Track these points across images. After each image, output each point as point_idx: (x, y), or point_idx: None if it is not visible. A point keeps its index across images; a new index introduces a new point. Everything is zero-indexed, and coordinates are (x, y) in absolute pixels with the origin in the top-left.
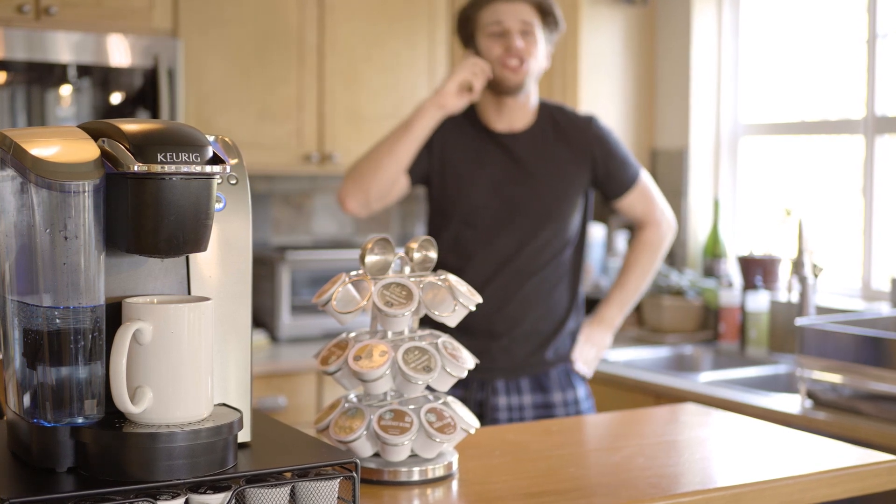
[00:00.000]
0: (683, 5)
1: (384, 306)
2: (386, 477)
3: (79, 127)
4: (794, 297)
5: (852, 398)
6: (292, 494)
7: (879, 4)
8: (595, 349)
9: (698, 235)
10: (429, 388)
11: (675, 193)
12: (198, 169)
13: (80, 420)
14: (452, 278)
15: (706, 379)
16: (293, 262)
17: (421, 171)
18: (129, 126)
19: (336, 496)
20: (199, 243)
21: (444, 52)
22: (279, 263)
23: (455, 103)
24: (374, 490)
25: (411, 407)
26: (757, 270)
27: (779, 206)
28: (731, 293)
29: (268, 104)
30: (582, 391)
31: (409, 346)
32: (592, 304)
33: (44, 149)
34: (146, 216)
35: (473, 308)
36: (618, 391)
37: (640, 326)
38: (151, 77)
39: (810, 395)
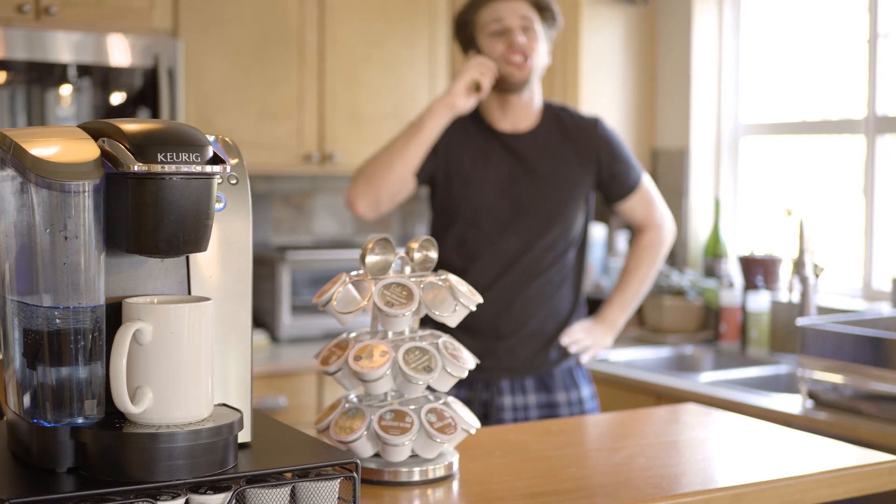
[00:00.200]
0: (684, 5)
1: (385, 306)
2: (386, 477)
3: (79, 127)
4: (795, 298)
5: (853, 398)
6: (293, 495)
7: (880, 4)
8: (591, 340)
9: (699, 235)
10: (429, 388)
11: (676, 193)
12: (198, 169)
13: (80, 420)
14: (453, 278)
15: (707, 379)
16: (293, 262)
17: (427, 171)
18: (130, 126)
19: (336, 496)
20: (199, 243)
21: (444, 52)
22: (279, 263)
23: (464, 103)
24: (375, 490)
25: (412, 407)
26: (758, 270)
27: (780, 205)
28: (731, 293)
29: (268, 104)
30: (586, 391)
31: (410, 346)
32: (593, 304)
33: (44, 149)
34: (146, 216)
35: (474, 308)
36: (618, 391)
37: (641, 326)
38: (151, 77)
39: (811, 395)
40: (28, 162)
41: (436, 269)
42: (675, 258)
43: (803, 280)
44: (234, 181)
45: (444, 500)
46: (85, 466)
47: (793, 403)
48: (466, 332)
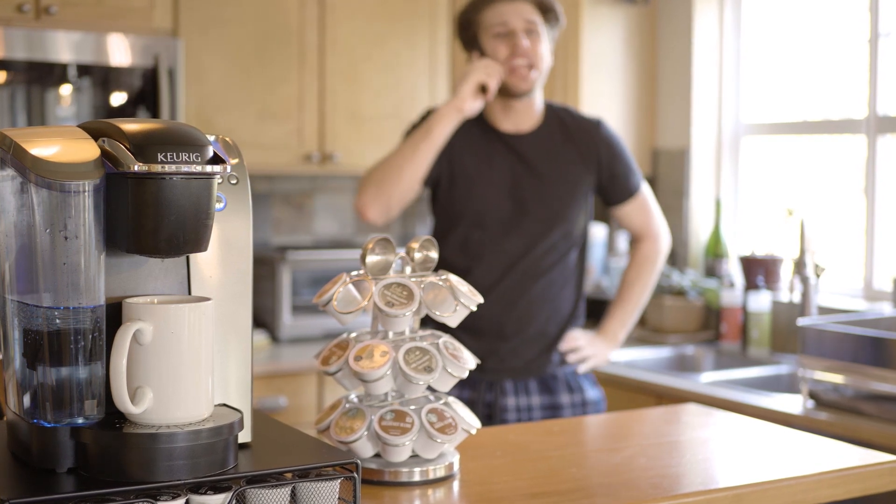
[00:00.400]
0: (685, 4)
1: (385, 306)
2: (387, 477)
3: (79, 126)
4: (796, 298)
5: (854, 399)
6: (293, 495)
7: (881, 4)
8: (591, 350)
9: (700, 235)
10: (430, 388)
11: (677, 193)
12: (198, 169)
13: (80, 420)
14: (453, 278)
15: (708, 379)
16: (294, 262)
17: (432, 174)
18: (130, 126)
19: (337, 497)
20: (199, 243)
21: (444, 52)
22: (280, 263)
23: (472, 106)
24: (375, 491)
25: (412, 407)
26: (759, 270)
27: (781, 205)
28: (732, 293)
29: (268, 104)
30: (592, 394)
31: (410, 346)
32: (594, 305)
33: (44, 148)
34: (146, 216)
35: (474, 308)
36: (619, 391)
37: (642, 327)
38: (152, 77)
39: (812, 395)
40: (28, 162)
41: (437, 270)
42: (676, 258)
43: (804, 280)
44: (234, 181)
45: (445, 500)
46: (85, 467)
47: (794, 404)
48: (469, 332)
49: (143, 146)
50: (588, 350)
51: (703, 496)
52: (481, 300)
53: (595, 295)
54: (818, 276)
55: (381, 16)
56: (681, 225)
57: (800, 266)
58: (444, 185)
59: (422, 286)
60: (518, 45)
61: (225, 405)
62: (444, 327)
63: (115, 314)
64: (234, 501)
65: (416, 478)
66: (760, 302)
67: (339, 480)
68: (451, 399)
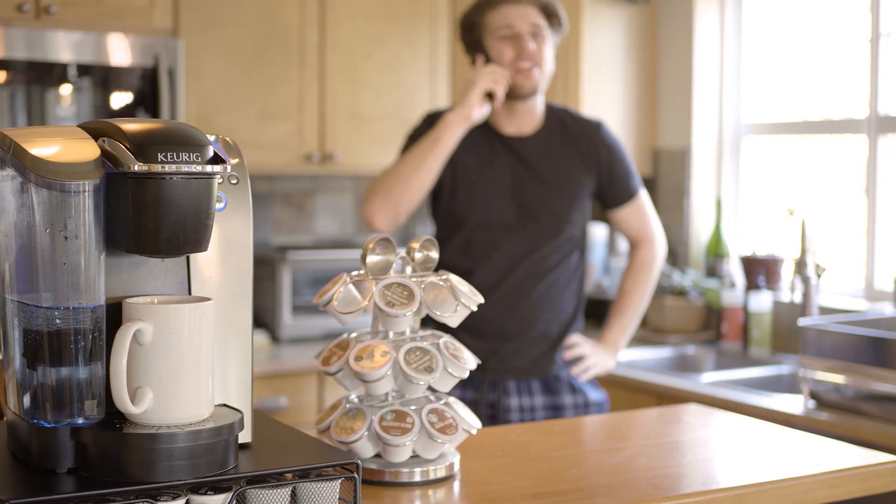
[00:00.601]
0: (686, 4)
1: (385, 306)
2: (387, 478)
3: (79, 126)
4: (797, 298)
5: (855, 399)
6: (293, 495)
7: (882, 3)
8: (594, 360)
9: (701, 235)
10: (430, 388)
11: (678, 193)
12: (198, 168)
13: (80, 421)
14: (454, 278)
15: (709, 379)
16: (294, 263)
17: (437, 179)
18: (130, 125)
19: (337, 497)
20: (199, 243)
21: (445, 52)
22: (280, 263)
23: (479, 113)
24: (376, 491)
25: (413, 407)
26: (760, 270)
27: (782, 205)
28: (733, 293)
29: (268, 104)
30: (594, 396)
31: (411, 346)
32: (594, 305)
33: (44, 148)
34: (146, 216)
35: (475, 308)
36: (620, 391)
37: (643, 327)
38: (152, 76)
39: (813, 395)
40: (28, 162)
41: (437, 270)
42: (677, 258)
43: (805, 280)
44: (234, 181)
45: (445, 500)
46: (85, 467)
47: (794, 404)
48: (472, 333)
49: (144, 146)
50: (591, 359)
51: (703, 496)
52: (482, 300)
53: (595, 295)
54: (819, 276)
55: (381, 16)
56: (681, 225)
57: (801, 266)
58: (446, 189)
59: (422, 286)
60: (524, 48)
61: (225, 405)
62: (444, 327)
63: (115, 314)
64: (234, 502)
65: (417, 478)
66: (761, 302)
67: (339, 481)
68: (452, 399)
